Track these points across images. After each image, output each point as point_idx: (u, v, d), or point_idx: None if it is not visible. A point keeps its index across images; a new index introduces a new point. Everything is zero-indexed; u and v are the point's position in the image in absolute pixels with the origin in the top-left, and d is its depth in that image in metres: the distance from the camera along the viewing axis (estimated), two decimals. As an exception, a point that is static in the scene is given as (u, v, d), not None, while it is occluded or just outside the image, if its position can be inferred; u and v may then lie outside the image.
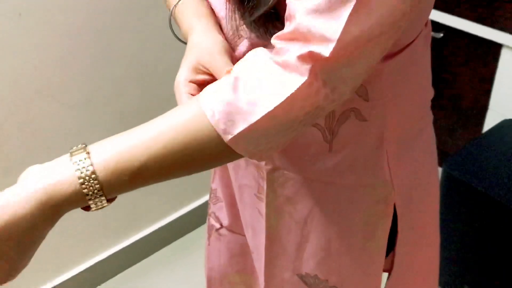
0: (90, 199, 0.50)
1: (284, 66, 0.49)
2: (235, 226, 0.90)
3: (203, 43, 0.62)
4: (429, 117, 0.75)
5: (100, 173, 0.50)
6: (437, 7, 1.60)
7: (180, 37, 0.68)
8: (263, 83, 0.50)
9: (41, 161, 0.52)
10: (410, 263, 0.79)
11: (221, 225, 0.93)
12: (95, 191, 0.50)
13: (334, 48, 0.46)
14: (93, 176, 0.50)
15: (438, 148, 0.79)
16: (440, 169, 1.39)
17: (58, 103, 1.36)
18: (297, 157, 0.68)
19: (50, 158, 0.52)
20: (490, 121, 1.61)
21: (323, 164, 0.67)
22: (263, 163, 0.71)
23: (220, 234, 0.94)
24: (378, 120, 0.65)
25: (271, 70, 0.50)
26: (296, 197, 0.71)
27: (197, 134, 0.51)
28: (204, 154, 0.52)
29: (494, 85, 1.57)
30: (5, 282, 0.53)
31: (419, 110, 0.72)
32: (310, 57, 0.47)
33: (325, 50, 0.47)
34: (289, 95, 0.48)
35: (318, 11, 0.47)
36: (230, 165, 0.79)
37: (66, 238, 1.52)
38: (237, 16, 0.58)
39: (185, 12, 0.67)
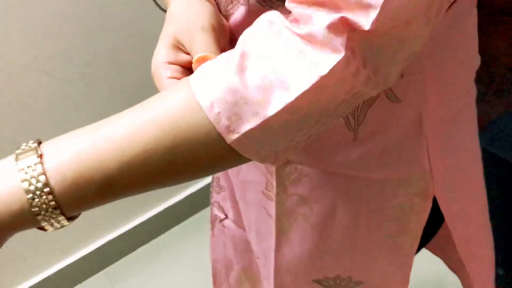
0: (43, 220, 0.37)
1: (309, 39, 0.36)
2: (239, 222, 0.79)
3: (183, 15, 0.47)
4: (474, 90, 0.62)
5: (56, 185, 0.37)
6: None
7: (162, 5, 0.55)
8: (280, 62, 0.36)
9: (34, 138, 0.40)
10: (480, 262, 0.71)
11: (226, 215, 0.82)
12: (50, 209, 0.37)
13: (377, 19, 0.33)
14: (46, 189, 0.37)
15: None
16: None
17: (49, 77, 1.26)
18: (314, 148, 0.55)
19: (43, 136, 0.40)
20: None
21: (346, 156, 0.55)
22: None
23: (224, 226, 0.84)
24: (415, 100, 0.52)
25: (291, 45, 0.36)
26: (312, 196, 0.59)
27: (188, 133, 0.37)
28: (199, 158, 0.39)
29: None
30: None
31: (464, 83, 0.58)
32: (345, 26, 0.34)
33: (365, 21, 0.34)
34: (317, 79, 0.35)
35: None
36: None
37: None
38: None
39: None
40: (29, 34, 1.19)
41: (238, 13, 0.49)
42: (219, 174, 0.79)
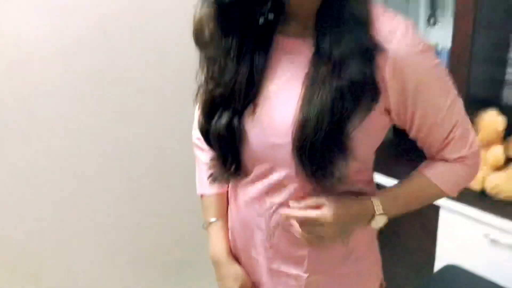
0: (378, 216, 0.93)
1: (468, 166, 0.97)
2: None
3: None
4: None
5: (385, 210, 0.93)
6: (379, 171, 1.83)
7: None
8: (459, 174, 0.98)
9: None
10: None
11: None
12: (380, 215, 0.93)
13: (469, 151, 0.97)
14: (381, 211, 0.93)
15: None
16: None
17: (74, 176, 1.50)
18: (328, 262, 0.98)
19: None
20: (439, 267, 1.74)
21: (343, 262, 0.99)
22: (303, 272, 0.99)
23: None
24: (370, 230, 1.02)
25: (458, 166, 0.97)
26: None
27: (433, 194, 0.98)
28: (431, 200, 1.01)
29: (438, 237, 1.77)
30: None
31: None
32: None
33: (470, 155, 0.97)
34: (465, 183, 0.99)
35: (464, 158, 0.95)
36: (268, 276, 1.04)
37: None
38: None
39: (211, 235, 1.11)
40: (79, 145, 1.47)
41: (288, 191, 0.94)
42: None
